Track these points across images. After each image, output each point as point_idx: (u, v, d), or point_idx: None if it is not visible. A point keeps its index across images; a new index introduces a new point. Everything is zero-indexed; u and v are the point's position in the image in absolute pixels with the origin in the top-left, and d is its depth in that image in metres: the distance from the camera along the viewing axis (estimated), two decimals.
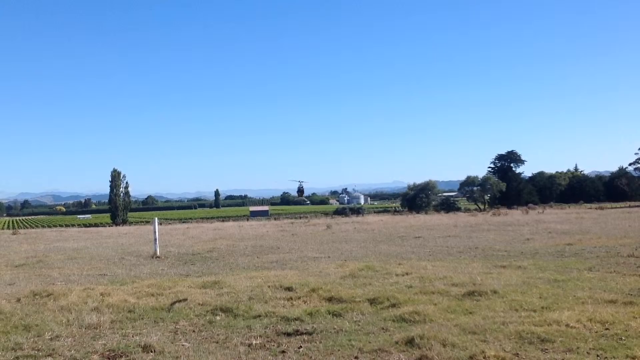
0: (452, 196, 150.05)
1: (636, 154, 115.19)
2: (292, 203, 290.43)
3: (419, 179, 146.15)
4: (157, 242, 22.60)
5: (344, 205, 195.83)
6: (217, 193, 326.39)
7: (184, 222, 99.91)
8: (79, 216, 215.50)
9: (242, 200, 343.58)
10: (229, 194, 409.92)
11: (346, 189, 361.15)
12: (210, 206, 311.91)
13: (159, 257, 21.40)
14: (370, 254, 20.75)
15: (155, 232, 22.76)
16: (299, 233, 35.49)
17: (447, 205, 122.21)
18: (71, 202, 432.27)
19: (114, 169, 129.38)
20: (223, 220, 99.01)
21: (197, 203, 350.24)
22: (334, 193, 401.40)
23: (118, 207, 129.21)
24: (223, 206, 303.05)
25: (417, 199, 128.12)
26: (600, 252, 18.65)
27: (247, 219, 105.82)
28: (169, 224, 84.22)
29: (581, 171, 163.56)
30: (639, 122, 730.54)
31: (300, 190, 54.74)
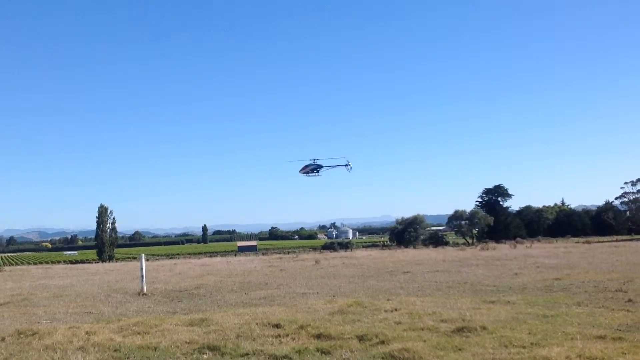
0: (440, 230, 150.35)
1: (622, 188, 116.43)
2: (281, 238, 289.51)
3: (408, 213, 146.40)
4: (144, 279, 22.37)
5: (332, 239, 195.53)
6: (204, 228, 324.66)
7: (171, 258, 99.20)
8: (65, 252, 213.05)
9: (230, 236, 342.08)
10: (216, 229, 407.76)
11: (334, 223, 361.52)
12: (198, 241, 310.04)
13: (145, 294, 21.15)
14: (359, 289, 20.64)
15: (142, 268, 22.54)
16: (288, 268, 35.25)
17: (436, 240, 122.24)
18: (57, 238, 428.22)
19: (100, 204, 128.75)
20: (211, 256, 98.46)
21: (184, 238, 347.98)
22: (322, 227, 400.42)
23: (105, 243, 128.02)
24: (211, 241, 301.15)
25: (405, 233, 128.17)
26: (588, 287, 18.67)
27: (235, 255, 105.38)
28: (156, 260, 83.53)
29: (568, 205, 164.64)
30: (624, 157, 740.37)
31: (316, 168, 52.53)
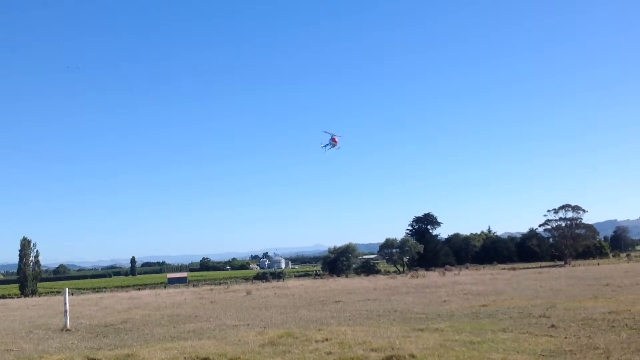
0: (372, 259, 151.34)
1: (545, 215, 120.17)
2: (212, 269, 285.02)
3: (340, 242, 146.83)
4: (68, 314, 21.59)
5: (264, 270, 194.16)
6: (133, 260, 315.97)
7: (97, 291, 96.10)
8: None
9: (159, 267, 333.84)
10: (146, 261, 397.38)
11: (267, 253, 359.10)
12: (126, 274, 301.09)
13: (69, 330, 20.40)
14: (290, 320, 20.54)
15: (65, 303, 21.75)
16: (218, 300, 34.77)
17: (367, 268, 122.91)
18: None
19: (23, 237, 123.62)
20: (139, 289, 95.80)
21: (112, 271, 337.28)
22: (255, 257, 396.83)
23: (27, 277, 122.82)
24: (140, 274, 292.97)
25: (337, 262, 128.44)
26: (513, 313, 19.19)
27: (165, 287, 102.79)
28: (82, 294, 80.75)
29: (494, 232, 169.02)
30: (547, 186, 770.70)
31: (332, 142, 52.25)
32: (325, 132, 55.40)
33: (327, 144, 54.74)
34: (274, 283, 71.87)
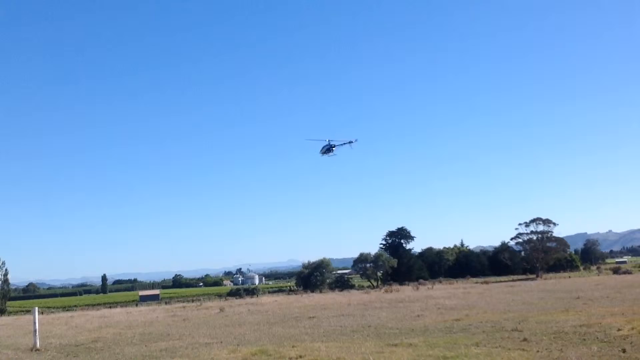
0: (346, 274, 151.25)
1: (516, 229, 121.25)
2: (185, 286, 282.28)
3: (314, 257, 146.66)
4: (37, 333, 21.19)
5: (238, 286, 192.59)
6: (104, 278, 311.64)
7: (67, 310, 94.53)
8: None
9: (131, 285, 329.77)
10: (117, 279, 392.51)
11: (240, 269, 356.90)
12: (97, 292, 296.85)
13: (38, 350, 20.03)
14: (264, 336, 20.40)
15: (35, 322, 21.35)
16: (191, 317, 34.43)
17: (342, 283, 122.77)
18: None
19: None
20: (110, 307, 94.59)
21: (82, 289, 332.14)
22: (228, 274, 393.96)
23: None
24: (111, 291, 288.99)
25: (311, 277, 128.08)
26: (486, 327, 19.31)
27: (137, 305, 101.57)
28: (52, 312, 79.35)
29: (467, 246, 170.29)
30: (518, 200, 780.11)
31: (330, 148, 51.83)
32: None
33: (329, 148, 55.75)
34: (248, 299, 71.41)
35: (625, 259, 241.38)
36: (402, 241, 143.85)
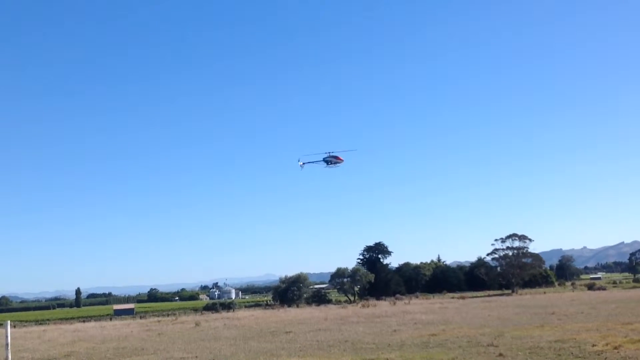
0: (323, 288, 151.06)
1: (493, 244, 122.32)
2: (160, 300, 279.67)
3: (291, 272, 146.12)
4: (9, 348, 20.78)
5: (214, 300, 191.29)
6: (78, 291, 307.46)
7: (40, 324, 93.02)
8: None
9: (105, 299, 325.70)
10: (91, 292, 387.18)
11: (217, 283, 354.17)
12: (71, 306, 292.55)
13: None
14: (239, 351, 20.25)
15: (7, 336, 20.94)
16: (166, 332, 34.10)
17: (319, 298, 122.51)
18: None
19: None
20: (84, 321, 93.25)
21: (55, 303, 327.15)
22: (204, 288, 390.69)
23: None
24: (85, 305, 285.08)
25: (288, 292, 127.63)
26: (462, 342, 19.36)
27: (111, 319, 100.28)
28: (24, 326, 78.11)
29: (444, 261, 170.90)
30: (494, 216, 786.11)
31: (331, 160, 52.04)
32: (302, 161, 58.46)
33: (328, 160, 57.14)
34: (224, 314, 70.88)
35: (599, 275, 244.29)
36: (379, 256, 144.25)
